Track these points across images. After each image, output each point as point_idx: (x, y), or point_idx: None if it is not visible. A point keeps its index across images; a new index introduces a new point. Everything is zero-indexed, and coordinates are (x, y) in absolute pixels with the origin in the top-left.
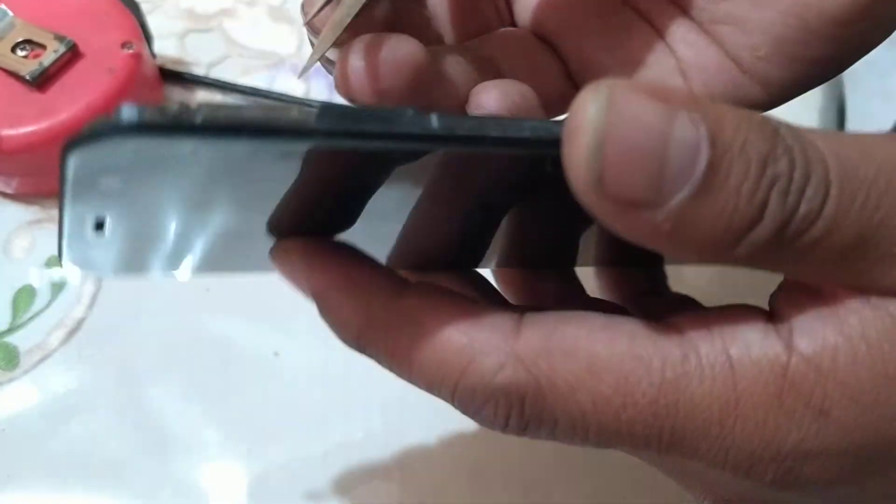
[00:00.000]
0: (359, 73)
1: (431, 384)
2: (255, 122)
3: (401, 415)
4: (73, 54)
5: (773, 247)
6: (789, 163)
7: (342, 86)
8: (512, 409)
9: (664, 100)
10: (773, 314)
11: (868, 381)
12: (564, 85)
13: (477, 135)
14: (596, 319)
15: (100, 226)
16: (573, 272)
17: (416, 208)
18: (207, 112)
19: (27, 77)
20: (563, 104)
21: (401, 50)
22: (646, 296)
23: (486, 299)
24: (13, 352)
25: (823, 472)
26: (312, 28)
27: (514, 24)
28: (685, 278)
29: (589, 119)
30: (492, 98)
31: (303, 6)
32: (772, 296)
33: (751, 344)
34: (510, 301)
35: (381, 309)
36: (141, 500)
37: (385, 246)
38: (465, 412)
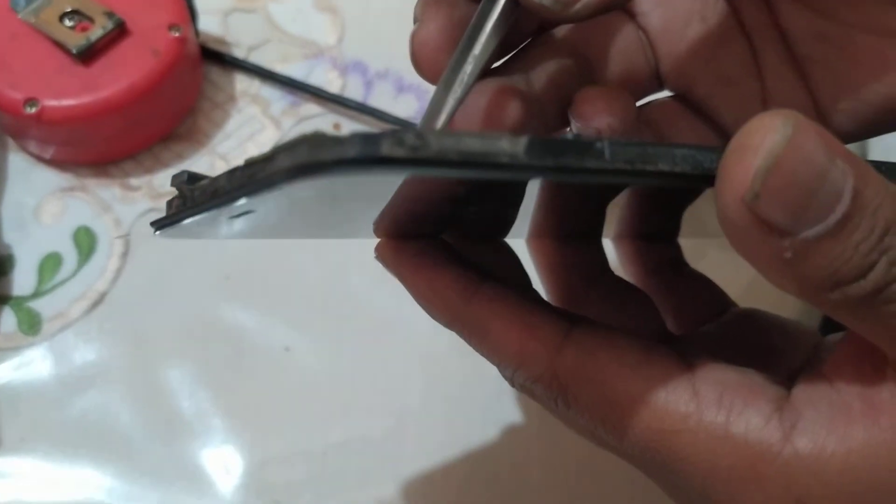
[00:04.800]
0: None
1: (496, 366)
2: (478, 155)
3: (400, 422)
4: (120, 31)
5: (863, 304)
6: None
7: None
8: (549, 403)
9: (827, 143)
10: (789, 396)
11: (850, 492)
12: (652, 80)
13: (675, 171)
14: (631, 352)
15: (240, 215)
16: (600, 246)
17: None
18: (439, 144)
19: (73, 50)
20: (647, 92)
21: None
22: (664, 270)
23: (538, 305)
24: (36, 318)
25: None
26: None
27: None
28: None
29: (769, 143)
30: (598, 112)
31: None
32: (800, 376)
33: (751, 427)
34: (543, 274)
35: (456, 311)
36: (144, 476)
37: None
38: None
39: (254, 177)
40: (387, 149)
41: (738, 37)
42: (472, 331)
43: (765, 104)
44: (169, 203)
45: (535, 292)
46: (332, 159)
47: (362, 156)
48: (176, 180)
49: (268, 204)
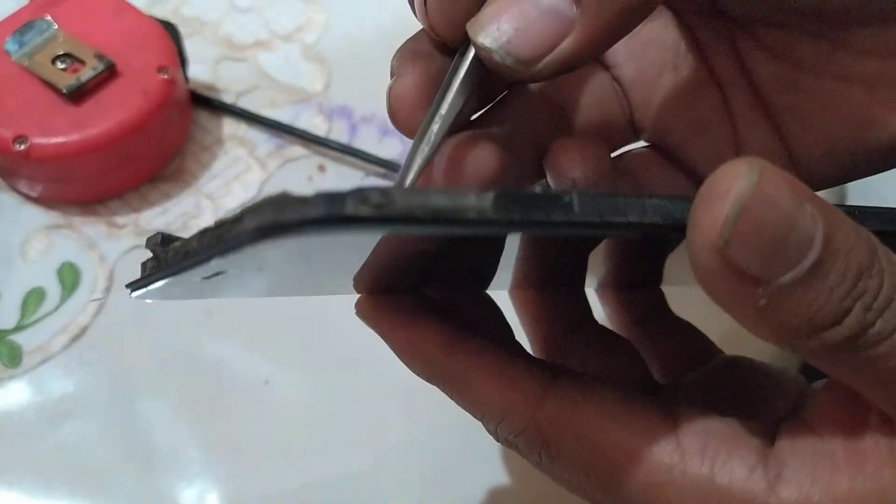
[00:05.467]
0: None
1: (480, 420)
2: (445, 212)
3: (379, 458)
4: (110, 73)
5: (841, 350)
6: (879, 283)
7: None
8: (533, 457)
9: (794, 188)
10: (773, 446)
11: None
12: (627, 130)
13: (648, 222)
14: (613, 404)
15: (213, 276)
16: (583, 296)
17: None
18: (405, 202)
19: (63, 90)
20: (624, 142)
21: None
22: (647, 319)
23: (519, 355)
24: (17, 350)
25: None
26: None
27: None
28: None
29: (736, 189)
30: (573, 163)
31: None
32: (784, 424)
33: (735, 478)
34: (526, 326)
35: (438, 365)
36: None
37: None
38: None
39: (222, 238)
40: (351, 208)
41: (709, 86)
42: (454, 384)
43: (738, 151)
44: (143, 265)
45: (517, 344)
46: (296, 220)
47: (326, 215)
48: (150, 242)
49: (241, 264)
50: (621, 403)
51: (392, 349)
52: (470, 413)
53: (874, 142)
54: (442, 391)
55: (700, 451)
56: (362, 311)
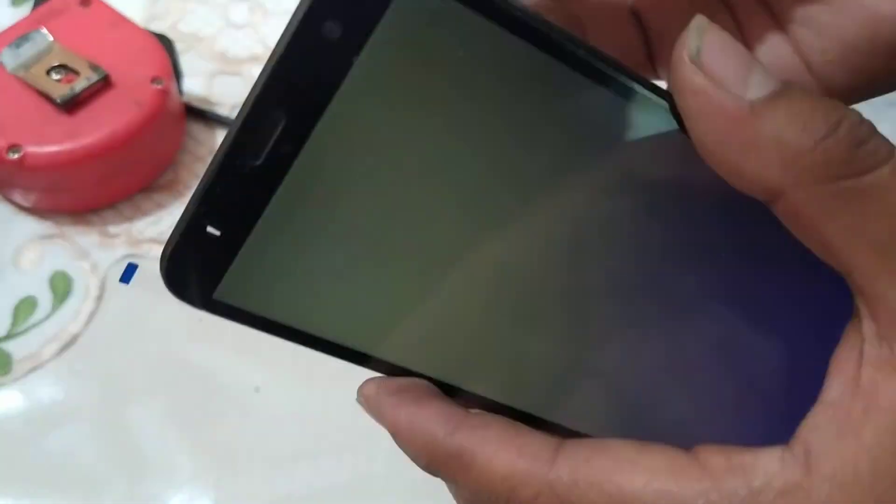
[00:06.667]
0: None
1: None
2: None
3: (367, 467)
4: (104, 83)
5: (817, 181)
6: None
7: None
8: None
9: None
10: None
11: (891, 485)
12: (642, 60)
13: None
14: (626, 450)
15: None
16: None
17: None
18: None
19: (58, 100)
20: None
21: None
22: None
23: (521, 426)
24: (7, 358)
25: None
26: None
27: None
28: None
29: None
30: None
31: None
32: None
33: (771, 474)
34: None
35: (439, 446)
36: None
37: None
38: None
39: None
40: None
41: (720, 10)
42: (458, 465)
43: None
44: None
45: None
46: None
47: None
48: None
49: None
50: (634, 448)
51: (391, 433)
52: (480, 499)
53: (889, 34)
54: (442, 478)
55: (726, 468)
56: (366, 396)
